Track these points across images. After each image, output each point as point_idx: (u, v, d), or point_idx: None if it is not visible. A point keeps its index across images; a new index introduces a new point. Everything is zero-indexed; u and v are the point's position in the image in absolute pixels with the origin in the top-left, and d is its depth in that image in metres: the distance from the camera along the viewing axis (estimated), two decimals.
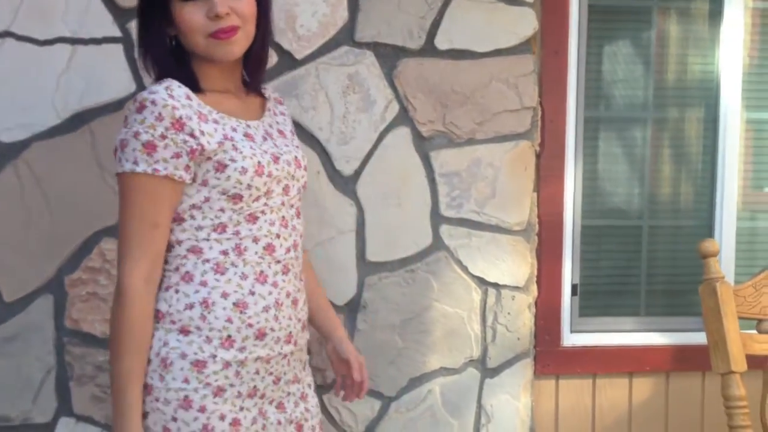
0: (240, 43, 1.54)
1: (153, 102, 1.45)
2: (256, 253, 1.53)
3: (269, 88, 1.80)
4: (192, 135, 1.46)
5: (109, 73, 2.16)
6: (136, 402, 1.47)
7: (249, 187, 1.50)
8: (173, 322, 1.50)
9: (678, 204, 2.65)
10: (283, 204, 1.58)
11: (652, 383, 2.55)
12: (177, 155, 1.45)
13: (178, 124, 1.44)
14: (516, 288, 2.41)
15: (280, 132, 1.69)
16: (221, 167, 1.48)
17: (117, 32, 2.16)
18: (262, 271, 1.53)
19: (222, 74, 1.58)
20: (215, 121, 1.51)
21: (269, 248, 1.55)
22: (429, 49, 2.33)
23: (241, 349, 1.51)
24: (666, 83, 2.63)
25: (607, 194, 2.62)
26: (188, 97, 1.49)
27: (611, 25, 2.59)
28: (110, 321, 1.48)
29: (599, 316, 2.58)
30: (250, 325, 1.51)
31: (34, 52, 2.13)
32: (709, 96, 2.64)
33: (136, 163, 1.44)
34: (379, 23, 2.30)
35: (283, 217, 1.58)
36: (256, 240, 1.53)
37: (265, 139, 1.60)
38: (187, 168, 1.46)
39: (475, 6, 2.34)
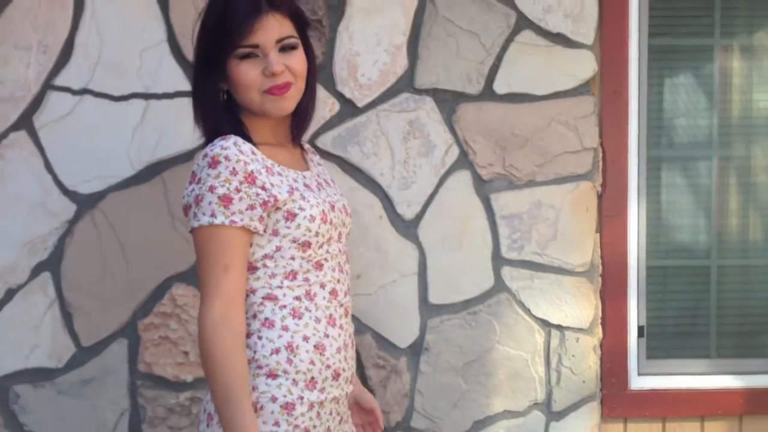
0: (293, 99, 1.60)
1: (227, 158, 1.49)
2: (324, 298, 1.58)
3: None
4: (263, 188, 1.51)
5: (181, 125, 2.24)
6: (245, 416, 1.45)
7: (317, 234, 1.55)
8: (260, 367, 1.53)
9: (747, 242, 2.60)
10: (339, 251, 1.64)
11: (724, 427, 2.48)
12: (251, 207, 1.50)
13: (251, 178, 1.50)
14: (580, 330, 2.39)
15: (326, 182, 1.74)
16: (291, 216, 1.53)
17: (187, 86, 2.25)
18: (330, 315, 1.58)
19: (273, 128, 1.64)
20: (279, 174, 1.57)
21: (333, 293, 1.60)
22: (488, 94, 2.36)
23: (322, 390, 1.56)
24: (730, 119, 2.60)
25: (672, 234, 2.59)
26: (253, 152, 1.54)
27: (672, 64, 2.58)
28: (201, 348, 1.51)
29: (667, 358, 2.53)
30: (328, 366, 1.56)
31: (111, 107, 2.25)
32: None
33: (213, 215, 1.48)
34: (438, 70, 2.35)
35: (339, 263, 1.64)
36: (323, 286, 1.58)
37: (319, 188, 1.65)
38: (261, 219, 1.52)
39: (532, 50, 2.37)
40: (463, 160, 2.36)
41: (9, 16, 2.22)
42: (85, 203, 2.24)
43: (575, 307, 2.39)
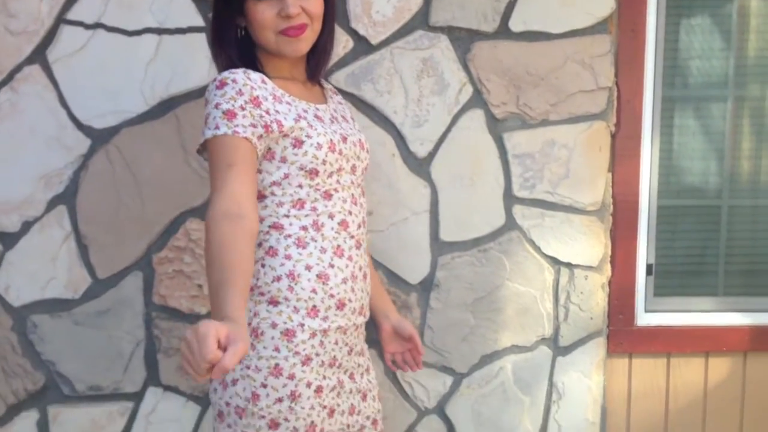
0: (308, 41, 1.62)
1: (234, 80, 1.54)
2: (332, 228, 1.60)
3: (323, 81, 1.87)
4: (267, 112, 1.55)
5: (193, 60, 2.24)
6: (231, 302, 1.37)
7: (324, 162, 1.58)
8: (262, 294, 1.58)
9: (758, 183, 2.60)
10: (352, 183, 1.67)
11: (728, 363, 2.53)
12: (253, 125, 1.53)
13: (256, 101, 1.54)
14: (589, 268, 2.42)
15: (343, 117, 1.77)
16: (298, 143, 1.57)
17: (200, 22, 2.25)
18: (338, 246, 1.61)
19: (289, 65, 1.67)
20: (288, 103, 1.60)
21: (343, 224, 1.63)
22: (503, 32, 2.34)
23: (324, 319, 1.60)
24: (747, 60, 2.57)
25: (684, 174, 2.59)
26: (263, 81, 1.58)
27: (690, 3, 2.54)
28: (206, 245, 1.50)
29: (675, 296, 2.57)
30: (332, 296, 1.60)
31: (124, 42, 2.23)
32: None
33: (217, 128, 1.52)
34: (453, 7, 2.32)
35: (353, 195, 1.66)
36: (331, 216, 1.60)
37: (332, 121, 1.67)
38: (260, 138, 1.54)
39: None
40: (477, 99, 2.35)
41: None
42: (100, 138, 2.24)
43: (585, 245, 2.41)
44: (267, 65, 1.64)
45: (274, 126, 1.54)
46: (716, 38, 2.57)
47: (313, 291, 1.58)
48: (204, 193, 2.24)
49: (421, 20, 2.30)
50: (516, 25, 2.34)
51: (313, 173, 1.58)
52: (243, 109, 1.52)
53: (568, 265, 2.41)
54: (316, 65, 1.70)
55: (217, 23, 1.64)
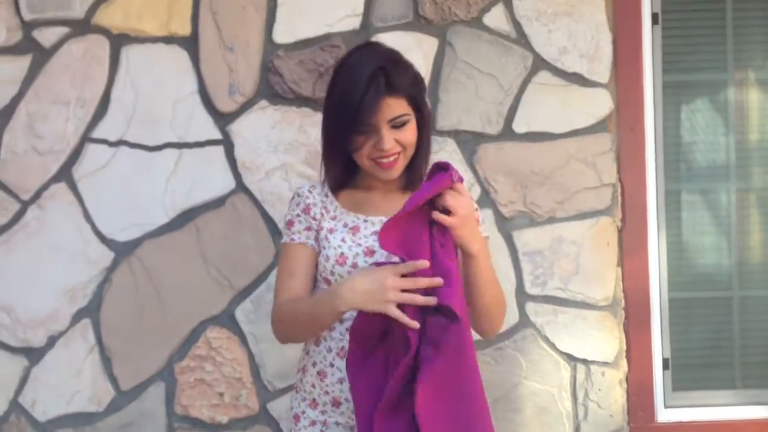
0: (400, 168, 1.70)
1: (298, 194, 1.75)
2: (340, 332, 1.68)
3: None
4: (314, 218, 1.71)
5: (212, 172, 2.35)
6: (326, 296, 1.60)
7: (332, 273, 1.68)
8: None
9: None
10: None
11: None
12: (308, 229, 1.70)
13: (307, 209, 1.71)
14: (605, 364, 2.43)
15: None
16: (321, 250, 1.70)
17: (218, 135, 2.36)
18: (342, 347, 1.67)
19: (378, 181, 1.75)
20: (333, 218, 1.72)
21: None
22: (507, 133, 2.43)
23: (323, 412, 1.69)
24: (747, 150, 2.63)
25: (693, 265, 2.62)
26: (326, 195, 1.74)
27: (687, 99, 2.63)
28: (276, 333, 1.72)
29: (693, 390, 2.55)
30: (327, 393, 1.68)
31: (145, 157, 2.34)
32: None
33: (282, 237, 1.74)
34: (459, 112, 2.42)
35: None
36: (340, 321, 1.66)
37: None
38: (316, 239, 1.71)
39: (550, 90, 2.44)
40: (485, 199, 2.42)
41: (48, 73, 2.33)
42: (122, 250, 2.32)
43: (600, 341, 2.42)
44: (360, 178, 1.76)
45: (318, 228, 1.71)
46: (715, 130, 2.64)
47: (312, 386, 1.69)
48: (224, 301, 2.30)
49: None
50: (519, 126, 2.43)
51: (327, 281, 1.70)
52: (299, 216, 1.71)
53: (584, 361, 2.42)
54: (409, 182, 1.76)
55: (325, 147, 1.74)
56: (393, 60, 1.66)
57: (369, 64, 1.63)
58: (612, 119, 2.48)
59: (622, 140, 2.49)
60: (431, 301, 1.49)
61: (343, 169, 1.74)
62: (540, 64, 2.45)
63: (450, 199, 1.55)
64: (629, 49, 2.50)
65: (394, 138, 1.64)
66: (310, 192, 1.74)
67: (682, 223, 2.61)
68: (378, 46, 1.73)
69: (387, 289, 1.49)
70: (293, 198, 1.75)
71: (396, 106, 1.63)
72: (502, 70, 2.43)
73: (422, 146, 1.72)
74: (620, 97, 2.49)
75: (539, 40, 2.44)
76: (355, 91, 1.61)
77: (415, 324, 1.48)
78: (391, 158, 1.65)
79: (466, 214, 1.56)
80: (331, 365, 1.67)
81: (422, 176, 1.77)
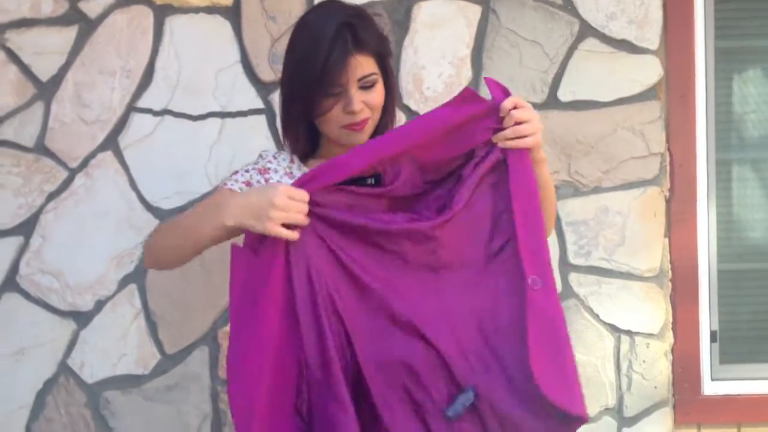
0: (368, 132, 1.65)
1: (261, 156, 1.71)
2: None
3: None
4: (267, 181, 1.64)
5: (254, 141, 2.35)
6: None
7: None
8: None
9: None
10: None
11: None
12: (247, 183, 1.63)
13: (264, 171, 1.66)
14: (650, 335, 2.39)
15: None
16: None
17: (260, 104, 2.37)
18: None
19: (345, 148, 1.69)
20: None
21: None
22: (552, 102, 2.40)
23: None
24: None
25: (744, 237, 2.56)
26: (292, 161, 1.68)
27: (739, 66, 2.56)
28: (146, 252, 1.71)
29: (742, 362, 2.50)
30: None
31: (189, 126, 2.36)
32: None
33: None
34: (503, 80, 2.32)
35: None
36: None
37: None
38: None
39: (596, 57, 2.39)
40: None
41: (93, 44, 2.36)
42: (167, 218, 2.36)
43: (645, 312, 2.39)
44: (325, 147, 1.70)
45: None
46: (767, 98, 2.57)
47: None
48: None
49: None
50: (564, 95, 2.39)
51: None
52: (248, 172, 1.65)
53: (629, 332, 2.39)
54: None
55: (286, 113, 1.68)
56: (359, 15, 1.57)
57: (333, 19, 1.53)
58: (661, 87, 2.42)
59: (671, 108, 2.43)
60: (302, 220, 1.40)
61: (307, 139, 1.65)
62: (587, 30, 2.40)
63: (521, 113, 1.49)
64: (680, 15, 2.43)
65: (362, 100, 1.56)
66: (275, 158, 1.68)
67: (732, 193, 2.55)
68: (340, 2, 1.61)
69: (272, 206, 1.37)
70: (259, 156, 1.71)
71: (365, 64, 1.55)
72: (548, 37, 2.39)
73: (387, 112, 1.66)
74: (670, 64, 2.43)
75: (586, 5, 2.39)
76: (320, 50, 1.51)
77: (294, 235, 1.38)
78: (360, 122, 1.58)
79: (540, 125, 1.51)
80: None
81: None
